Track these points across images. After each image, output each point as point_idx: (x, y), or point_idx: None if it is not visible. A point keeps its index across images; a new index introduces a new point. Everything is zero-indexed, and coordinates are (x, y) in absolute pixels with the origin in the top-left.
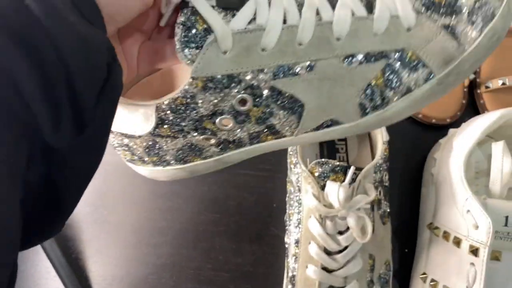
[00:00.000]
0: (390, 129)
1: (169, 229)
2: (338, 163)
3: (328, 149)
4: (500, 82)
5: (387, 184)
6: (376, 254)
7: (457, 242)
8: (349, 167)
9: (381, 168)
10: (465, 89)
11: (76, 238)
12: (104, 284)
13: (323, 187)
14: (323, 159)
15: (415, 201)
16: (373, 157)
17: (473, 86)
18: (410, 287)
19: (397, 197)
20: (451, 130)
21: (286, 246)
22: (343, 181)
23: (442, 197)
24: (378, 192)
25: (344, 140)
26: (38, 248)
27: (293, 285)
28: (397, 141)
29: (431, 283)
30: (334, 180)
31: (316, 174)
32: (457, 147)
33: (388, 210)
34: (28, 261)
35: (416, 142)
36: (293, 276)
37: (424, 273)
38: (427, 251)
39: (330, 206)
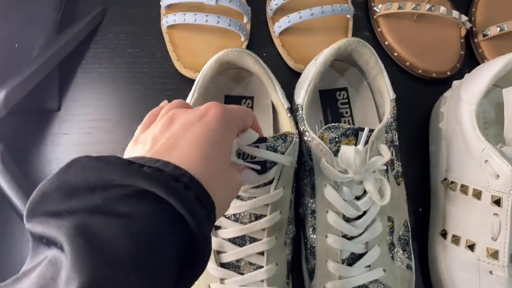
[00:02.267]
0: (392, 85)
1: None
2: (348, 126)
3: (333, 114)
4: (498, 29)
5: (397, 143)
6: (395, 216)
7: (477, 194)
8: (362, 129)
9: (391, 127)
10: (462, 40)
11: None
12: None
13: (335, 153)
14: (333, 124)
15: (423, 159)
16: (379, 117)
17: (469, 36)
18: (429, 246)
19: (404, 157)
20: (455, 82)
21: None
22: (356, 144)
23: (455, 151)
24: (390, 152)
25: (348, 103)
26: None
27: (313, 256)
28: (398, 99)
29: (453, 239)
30: (347, 144)
31: (327, 140)
32: (466, 97)
33: (401, 170)
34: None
35: (418, 99)
36: (313, 247)
37: (443, 230)
38: (444, 208)
39: (345, 171)
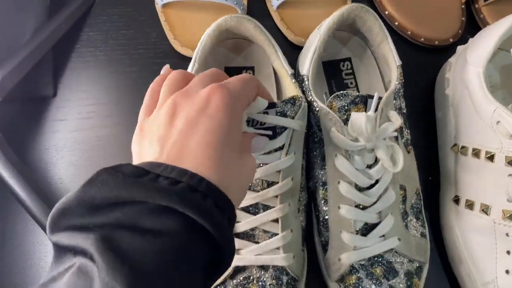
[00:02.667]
0: None
1: None
2: (357, 93)
3: (337, 86)
4: None
5: (405, 111)
6: (407, 184)
7: (490, 156)
8: (371, 96)
9: (399, 94)
10: (463, 6)
11: None
12: None
13: (345, 122)
14: (341, 92)
15: (428, 127)
16: (384, 86)
17: (470, 2)
18: (441, 213)
19: (412, 125)
20: (460, 47)
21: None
22: (365, 111)
23: (463, 115)
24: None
25: (352, 73)
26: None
27: (326, 228)
28: (402, 67)
29: (466, 204)
30: (356, 112)
31: (336, 108)
32: (472, 60)
33: (410, 137)
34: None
35: (421, 68)
36: (325, 219)
37: (456, 196)
38: (455, 173)
39: (355, 140)
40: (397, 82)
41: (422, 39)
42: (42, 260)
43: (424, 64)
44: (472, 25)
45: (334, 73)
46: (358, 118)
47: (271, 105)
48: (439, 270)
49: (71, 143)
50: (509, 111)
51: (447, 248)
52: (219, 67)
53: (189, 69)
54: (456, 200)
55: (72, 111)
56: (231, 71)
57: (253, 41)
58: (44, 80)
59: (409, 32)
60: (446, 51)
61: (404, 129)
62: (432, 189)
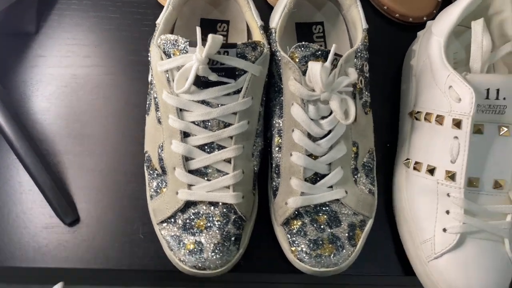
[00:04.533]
0: (369, 28)
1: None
2: (318, 47)
3: (306, 40)
4: None
5: (367, 75)
6: (360, 142)
7: (440, 119)
8: (330, 51)
9: (361, 55)
10: None
11: (52, 152)
12: (83, 194)
13: (304, 72)
14: (303, 43)
15: (395, 97)
16: (351, 47)
17: None
18: (394, 177)
19: (378, 94)
20: (429, 22)
21: (268, 141)
22: None
23: (423, 84)
24: (359, 81)
25: (323, 37)
26: (8, 164)
27: (278, 174)
28: (375, 40)
29: (414, 165)
30: None
31: (297, 59)
32: (436, 31)
33: (369, 100)
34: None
35: (394, 42)
36: (277, 166)
37: (407, 159)
38: (409, 138)
39: (312, 90)
40: (360, 43)
41: (397, 15)
42: (6, 184)
43: (397, 40)
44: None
45: (306, 35)
46: (314, 67)
47: (232, 45)
48: (385, 229)
49: (48, 79)
50: (461, 77)
51: (395, 209)
52: (195, 18)
53: (163, 13)
54: (407, 163)
55: (52, 48)
56: (206, 23)
57: None
58: (28, 18)
59: (386, 7)
60: (419, 28)
61: (364, 90)
62: (389, 154)
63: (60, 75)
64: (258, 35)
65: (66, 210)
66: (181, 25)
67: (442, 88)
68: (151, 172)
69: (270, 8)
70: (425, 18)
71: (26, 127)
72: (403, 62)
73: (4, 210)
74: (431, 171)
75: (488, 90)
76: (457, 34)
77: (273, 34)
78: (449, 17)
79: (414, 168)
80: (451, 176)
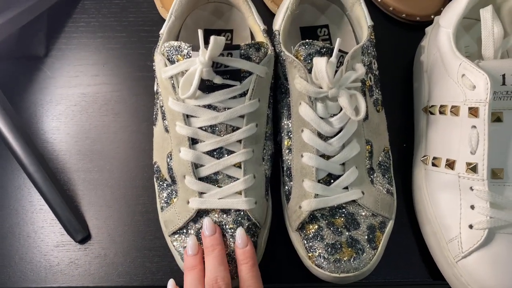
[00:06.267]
0: (376, 31)
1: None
2: (323, 44)
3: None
4: None
5: (377, 72)
6: (373, 140)
7: (455, 110)
8: (334, 48)
9: (368, 51)
10: None
11: (62, 169)
12: (93, 211)
13: (310, 70)
14: (307, 40)
15: (408, 98)
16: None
17: None
18: (413, 176)
19: (391, 95)
20: (436, 18)
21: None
22: None
23: (435, 77)
24: (368, 78)
25: (329, 40)
26: (19, 184)
27: (290, 177)
28: (384, 41)
29: (433, 161)
30: None
31: (302, 57)
32: (445, 23)
33: (381, 98)
34: (11, 197)
35: (402, 42)
36: (289, 168)
37: (425, 156)
38: (425, 134)
39: (319, 87)
40: (366, 40)
41: (404, 15)
42: (16, 203)
43: (405, 40)
44: None
45: (311, 38)
46: (320, 62)
47: (235, 46)
48: (407, 230)
49: (57, 99)
50: (473, 64)
51: (416, 210)
52: (199, 29)
53: (166, 22)
54: (425, 160)
55: (61, 69)
56: (210, 33)
57: (231, 4)
58: (37, 41)
59: (391, 8)
60: (427, 26)
61: (374, 88)
62: (407, 154)
63: (69, 94)
64: (261, 38)
65: (77, 228)
66: (185, 36)
67: (454, 78)
68: (160, 183)
69: (272, 16)
70: (432, 16)
71: (37, 147)
72: (414, 60)
73: (16, 230)
74: (451, 165)
75: (504, 76)
76: (467, 27)
77: (277, 36)
78: (456, 7)
79: (433, 164)
80: (473, 168)
